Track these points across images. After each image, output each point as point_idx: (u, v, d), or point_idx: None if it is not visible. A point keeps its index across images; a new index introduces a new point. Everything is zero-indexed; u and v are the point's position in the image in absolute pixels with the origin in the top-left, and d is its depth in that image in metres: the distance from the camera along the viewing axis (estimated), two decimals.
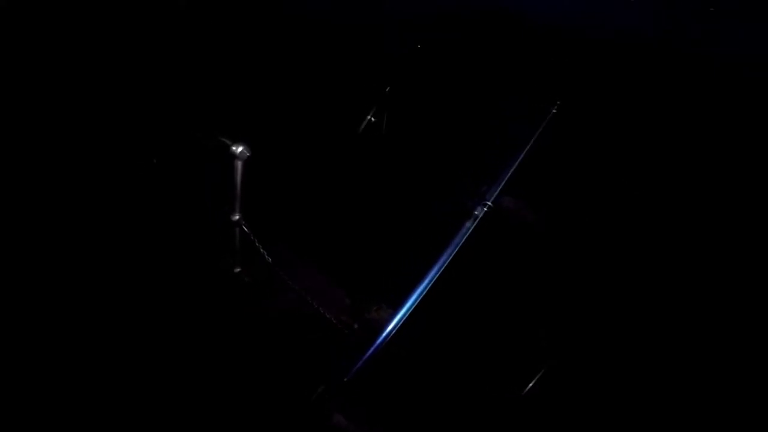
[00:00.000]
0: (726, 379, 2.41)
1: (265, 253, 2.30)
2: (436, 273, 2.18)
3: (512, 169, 2.43)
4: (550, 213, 3.05)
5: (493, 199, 2.29)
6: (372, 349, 2.28)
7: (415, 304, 2.25)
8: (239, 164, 2.01)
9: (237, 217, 2.18)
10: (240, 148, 1.96)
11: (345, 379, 2.29)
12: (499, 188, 2.36)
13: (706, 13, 3.08)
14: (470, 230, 2.18)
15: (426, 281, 2.19)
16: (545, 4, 3.71)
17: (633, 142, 3.10)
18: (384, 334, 2.28)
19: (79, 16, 3.17)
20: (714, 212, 2.83)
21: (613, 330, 2.66)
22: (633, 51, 3.35)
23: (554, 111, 2.75)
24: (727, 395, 2.38)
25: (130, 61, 3.23)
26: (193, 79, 3.44)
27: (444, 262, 2.17)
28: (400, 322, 2.27)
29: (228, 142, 1.95)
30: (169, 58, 3.40)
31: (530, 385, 2.45)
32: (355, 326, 2.58)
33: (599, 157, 3.11)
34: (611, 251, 2.89)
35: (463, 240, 2.17)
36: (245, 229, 2.21)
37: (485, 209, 2.25)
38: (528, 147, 2.53)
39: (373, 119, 3.67)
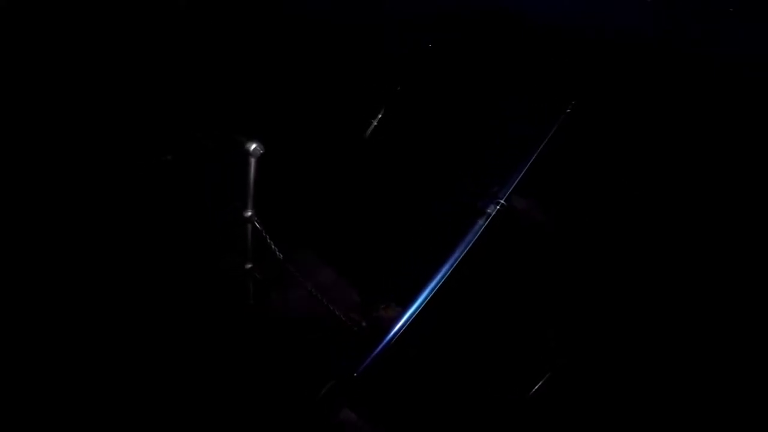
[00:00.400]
0: (736, 378, 2.43)
1: (277, 249, 2.30)
2: (447, 270, 2.19)
3: (525, 169, 2.44)
4: (560, 213, 3.06)
5: (505, 198, 2.30)
6: (382, 345, 2.30)
7: (426, 301, 2.27)
8: (253, 161, 2.01)
9: (249, 214, 2.19)
10: (254, 146, 1.97)
11: (354, 375, 2.30)
12: (512, 187, 2.37)
13: (706, 13, 3.11)
14: (482, 228, 2.19)
15: (437, 278, 2.21)
16: (545, 4, 3.73)
17: (636, 142, 3.12)
18: (394, 331, 2.29)
19: (80, 17, 3.16)
20: (715, 212, 2.86)
21: (622, 330, 2.66)
22: (633, 51, 3.37)
23: (568, 111, 2.74)
24: (735, 394, 2.39)
25: (139, 62, 3.22)
26: (202, 79, 3.43)
27: (455, 260, 2.18)
28: (411, 319, 2.29)
29: (242, 139, 1.96)
30: (173, 58, 3.39)
31: (538, 385, 2.47)
32: (364, 324, 2.59)
33: (606, 156, 3.12)
34: (620, 251, 2.90)
35: (476, 237, 2.18)
36: (257, 226, 2.22)
37: (498, 207, 2.26)
38: (541, 147, 2.53)
39: (379, 118, 3.67)
